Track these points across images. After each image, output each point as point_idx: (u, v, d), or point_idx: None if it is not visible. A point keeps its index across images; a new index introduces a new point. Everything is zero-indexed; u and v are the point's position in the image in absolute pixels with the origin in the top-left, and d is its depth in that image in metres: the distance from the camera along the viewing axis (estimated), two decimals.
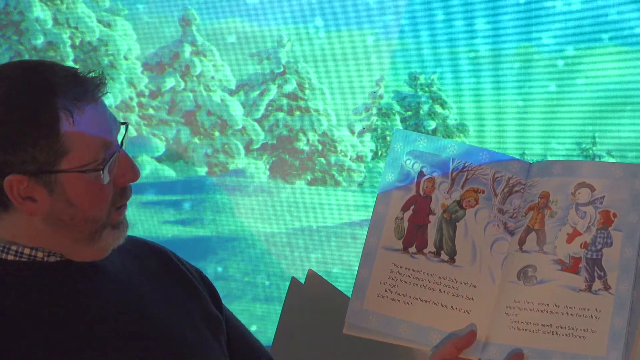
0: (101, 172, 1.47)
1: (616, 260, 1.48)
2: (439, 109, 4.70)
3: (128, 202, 1.55)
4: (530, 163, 1.58)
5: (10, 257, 1.49)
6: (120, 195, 1.53)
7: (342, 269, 4.30)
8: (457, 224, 1.58)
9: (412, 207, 1.59)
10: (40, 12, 4.19)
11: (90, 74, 1.49)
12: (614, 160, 4.67)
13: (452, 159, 1.59)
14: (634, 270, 1.47)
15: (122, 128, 1.54)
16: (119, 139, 1.53)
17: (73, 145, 1.45)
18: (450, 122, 4.68)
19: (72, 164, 1.46)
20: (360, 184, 4.61)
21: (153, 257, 1.68)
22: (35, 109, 1.44)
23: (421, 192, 1.59)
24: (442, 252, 1.57)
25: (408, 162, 1.60)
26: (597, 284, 1.49)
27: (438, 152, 1.60)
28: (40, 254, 1.50)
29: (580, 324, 1.48)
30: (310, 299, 2.37)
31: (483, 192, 1.58)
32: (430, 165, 1.59)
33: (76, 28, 4.27)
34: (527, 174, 1.58)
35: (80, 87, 1.47)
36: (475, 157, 1.59)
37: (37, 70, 1.47)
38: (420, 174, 1.60)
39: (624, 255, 1.48)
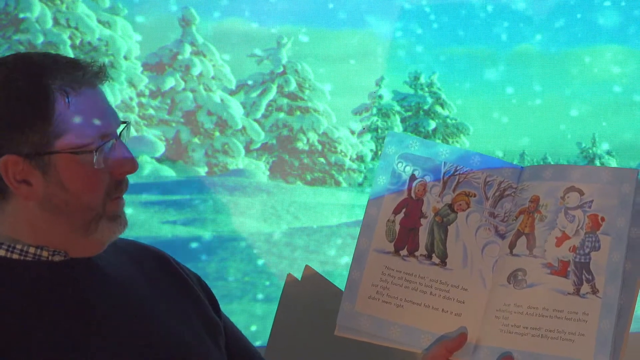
0: (94, 153, 1.48)
1: (604, 264, 1.49)
2: (439, 109, 4.70)
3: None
4: (521, 167, 1.59)
5: (15, 256, 1.50)
6: (116, 186, 1.54)
7: (342, 269, 4.29)
8: (448, 227, 1.58)
9: (403, 210, 1.59)
10: (40, 12, 4.19)
11: (91, 63, 1.51)
12: (614, 161, 4.66)
13: (444, 162, 1.59)
14: (621, 274, 1.47)
15: (122, 126, 1.55)
16: (118, 132, 1.54)
17: (67, 128, 1.46)
18: (450, 122, 4.68)
19: (66, 146, 1.47)
20: (360, 184, 4.61)
21: (154, 261, 1.70)
22: (30, 90, 1.45)
23: (413, 195, 1.59)
24: (434, 255, 1.57)
25: (400, 165, 1.60)
26: (585, 288, 1.49)
27: (430, 156, 1.60)
28: (45, 253, 1.51)
29: (568, 327, 1.48)
30: (307, 296, 2.37)
31: (475, 195, 1.58)
32: (422, 169, 1.60)
33: (76, 28, 4.27)
34: (519, 178, 1.58)
35: (79, 71, 1.49)
36: (467, 161, 1.59)
37: (37, 57, 1.49)
38: (412, 177, 1.60)
39: (612, 259, 1.48)
